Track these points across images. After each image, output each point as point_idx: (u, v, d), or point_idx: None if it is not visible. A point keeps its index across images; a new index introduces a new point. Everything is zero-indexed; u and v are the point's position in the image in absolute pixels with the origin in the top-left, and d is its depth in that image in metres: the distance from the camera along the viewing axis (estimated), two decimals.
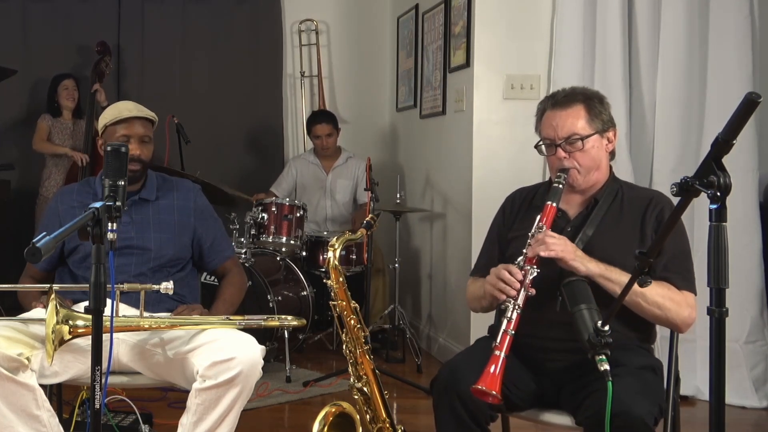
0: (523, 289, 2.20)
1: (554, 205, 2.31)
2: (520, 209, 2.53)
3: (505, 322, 2.16)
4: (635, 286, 2.10)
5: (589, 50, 4.07)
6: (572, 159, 2.35)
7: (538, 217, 2.30)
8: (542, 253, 2.22)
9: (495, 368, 2.09)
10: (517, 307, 2.18)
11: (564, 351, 2.28)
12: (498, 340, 2.14)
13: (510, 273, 2.23)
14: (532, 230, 2.29)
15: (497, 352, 2.12)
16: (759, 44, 3.99)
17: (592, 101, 2.38)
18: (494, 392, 2.06)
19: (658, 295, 2.22)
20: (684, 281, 2.29)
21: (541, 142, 2.43)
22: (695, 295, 2.30)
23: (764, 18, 4.08)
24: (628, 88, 4.03)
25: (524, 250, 2.27)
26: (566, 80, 4.04)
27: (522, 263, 2.25)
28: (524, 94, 4.21)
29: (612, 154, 2.45)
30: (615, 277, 2.21)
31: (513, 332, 2.14)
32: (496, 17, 4.29)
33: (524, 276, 2.22)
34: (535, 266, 2.23)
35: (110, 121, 2.77)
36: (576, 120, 2.35)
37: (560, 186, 2.32)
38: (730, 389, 3.23)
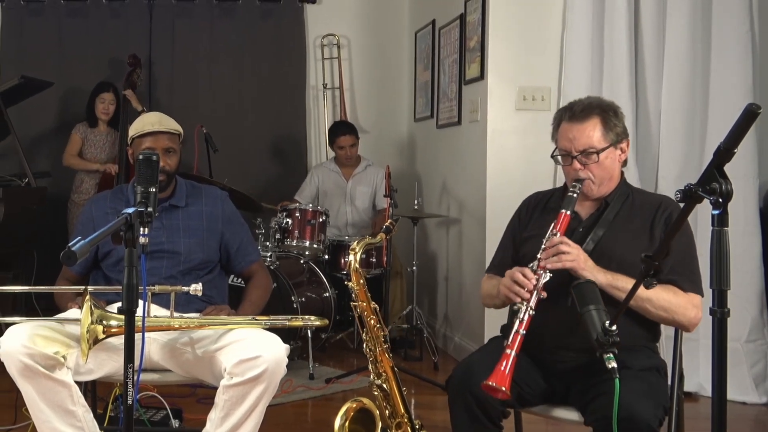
0: (535, 292, 2.24)
1: (568, 213, 2.35)
2: (535, 211, 2.58)
3: (517, 322, 2.20)
4: (642, 290, 2.07)
5: (597, 63, 4.11)
6: (587, 170, 2.39)
7: (553, 224, 2.34)
8: (550, 266, 2.26)
9: (506, 365, 2.13)
10: (529, 308, 2.22)
11: (573, 351, 2.33)
12: (510, 340, 2.18)
13: (524, 275, 2.28)
14: (547, 235, 2.33)
15: (508, 351, 2.16)
16: (759, 57, 4.04)
17: (607, 114, 2.41)
18: (503, 388, 2.10)
19: (664, 300, 2.28)
20: (689, 283, 2.33)
21: (557, 152, 2.46)
22: (702, 296, 2.33)
23: (764, 33, 4.13)
24: (635, 99, 4.06)
25: (538, 255, 2.31)
26: (575, 92, 4.02)
27: (535, 267, 2.29)
28: (536, 105, 4.25)
29: (624, 163, 2.50)
30: (622, 286, 2.25)
31: (524, 332, 2.18)
32: (509, 32, 4.33)
33: (537, 280, 2.26)
34: (547, 271, 2.28)
35: (136, 134, 2.82)
36: (592, 133, 2.38)
37: (575, 195, 2.36)
38: (732, 386, 3.13)
